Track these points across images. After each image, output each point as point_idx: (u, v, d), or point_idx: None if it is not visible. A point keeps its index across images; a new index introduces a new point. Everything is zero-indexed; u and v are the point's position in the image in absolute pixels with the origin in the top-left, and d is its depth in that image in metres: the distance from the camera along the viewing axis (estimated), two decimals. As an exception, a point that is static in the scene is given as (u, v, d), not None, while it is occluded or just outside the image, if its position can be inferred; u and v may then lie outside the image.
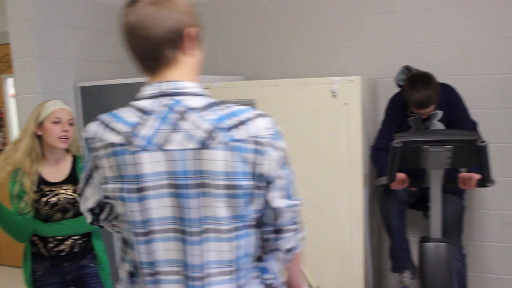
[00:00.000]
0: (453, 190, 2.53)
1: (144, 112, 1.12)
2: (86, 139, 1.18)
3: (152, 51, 1.12)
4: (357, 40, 3.15)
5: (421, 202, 2.83)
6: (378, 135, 2.80)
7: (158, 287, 1.15)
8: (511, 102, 2.94)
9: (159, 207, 1.11)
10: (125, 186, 1.12)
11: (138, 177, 1.10)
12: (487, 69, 2.96)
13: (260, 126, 1.15)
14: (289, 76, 3.19)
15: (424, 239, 2.39)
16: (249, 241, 1.17)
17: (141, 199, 1.11)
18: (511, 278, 3.07)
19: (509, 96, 2.93)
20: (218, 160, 1.08)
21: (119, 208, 1.16)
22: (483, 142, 2.09)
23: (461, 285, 2.72)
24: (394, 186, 2.47)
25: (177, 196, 1.10)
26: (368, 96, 2.89)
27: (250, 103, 2.58)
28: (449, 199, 2.68)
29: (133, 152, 1.10)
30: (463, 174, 2.38)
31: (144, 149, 1.09)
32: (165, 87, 1.13)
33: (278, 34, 3.31)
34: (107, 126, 1.14)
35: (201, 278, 1.13)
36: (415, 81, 2.54)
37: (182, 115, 1.11)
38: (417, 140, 2.21)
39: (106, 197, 1.19)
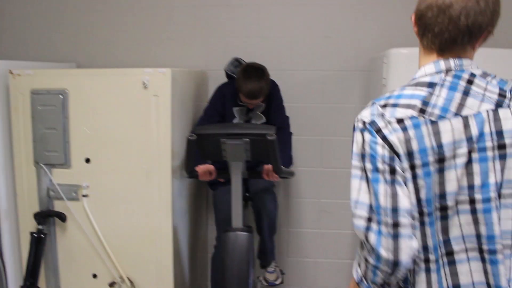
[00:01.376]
0: (268, 186, 2.63)
1: (430, 85, 1.19)
2: (368, 123, 1.19)
3: (456, 36, 1.16)
4: (189, 31, 3.15)
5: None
6: (198, 122, 2.83)
7: (454, 268, 1.15)
8: (330, 97, 3.11)
9: (454, 179, 1.13)
10: (418, 161, 1.13)
11: (438, 147, 1.13)
12: (311, 66, 3.10)
13: None
14: (122, 65, 3.13)
15: (226, 229, 2.46)
16: None
17: (440, 171, 1.13)
18: (327, 261, 3.29)
19: (328, 91, 3.10)
20: None
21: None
22: (271, 136, 2.17)
23: (272, 229, 2.87)
24: (202, 177, 2.51)
25: (474, 161, 1.13)
26: (193, 88, 2.91)
27: (62, 93, 2.49)
28: (266, 193, 2.82)
29: (431, 122, 1.14)
30: (266, 166, 2.48)
31: (441, 118, 1.13)
32: (451, 63, 1.19)
33: (110, 21, 3.22)
34: (387, 106, 1.19)
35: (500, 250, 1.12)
36: (249, 72, 2.62)
37: (471, 81, 1.17)
38: (212, 133, 2.25)
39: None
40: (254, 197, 2.80)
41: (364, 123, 1.20)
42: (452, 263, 1.17)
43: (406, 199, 1.14)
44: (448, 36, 1.17)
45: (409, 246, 1.14)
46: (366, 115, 1.21)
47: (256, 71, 2.59)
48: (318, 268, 3.31)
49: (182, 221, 2.75)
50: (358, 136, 1.22)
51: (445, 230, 1.15)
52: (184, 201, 2.80)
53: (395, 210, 1.14)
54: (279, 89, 2.85)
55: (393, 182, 1.15)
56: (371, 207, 1.18)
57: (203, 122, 2.77)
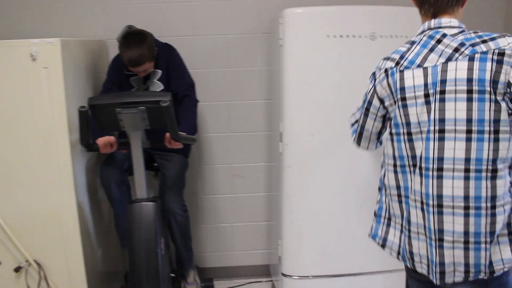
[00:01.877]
0: (177, 149, 2.58)
1: (412, 43, 1.60)
2: (374, 73, 1.71)
3: (446, 3, 1.55)
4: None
5: (149, 162, 2.87)
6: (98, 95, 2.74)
7: (441, 182, 1.49)
8: (235, 61, 3.09)
9: (414, 114, 1.55)
10: (392, 100, 1.62)
11: (401, 90, 1.56)
12: (213, 30, 3.05)
13: (504, 42, 1.43)
14: (10, 36, 2.94)
15: (131, 201, 2.42)
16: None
17: (404, 106, 1.58)
18: (241, 224, 3.33)
19: (232, 56, 3.08)
20: (460, 69, 1.45)
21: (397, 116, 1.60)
22: (165, 102, 2.14)
23: (185, 237, 2.86)
24: (103, 150, 2.45)
25: (428, 102, 1.52)
26: (90, 59, 2.80)
27: None
28: (172, 157, 2.76)
29: (400, 71, 1.57)
30: (167, 134, 2.44)
31: (406, 68, 1.56)
32: (432, 24, 1.57)
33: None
34: (385, 59, 1.67)
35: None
36: (129, 39, 2.53)
37: (439, 41, 1.53)
38: (105, 104, 2.19)
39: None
40: (163, 203, 2.75)
41: (372, 73, 1.71)
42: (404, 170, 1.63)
43: (370, 125, 1.77)
44: (441, 3, 1.55)
45: (363, 145, 1.87)
46: (375, 67, 1.70)
47: (135, 37, 2.51)
48: (235, 232, 3.35)
49: (87, 196, 2.68)
50: (368, 80, 1.74)
51: (412, 148, 1.57)
52: (89, 175, 2.72)
53: (362, 127, 1.80)
54: (177, 53, 2.77)
55: (366, 115, 1.76)
56: (356, 120, 1.84)
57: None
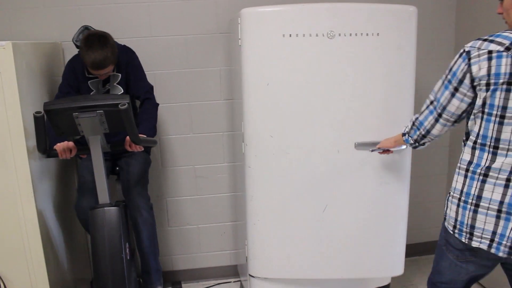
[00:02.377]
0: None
1: None
2: (467, 52, 1.72)
3: None
4: (40, 0, 2.92)
5: (112, 166, 2.83)
6: (54, 99, 2.68)
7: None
8: (194, 62, 3.07)
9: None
10: (492, 81, 1.66)
11: (510, 74, 1.63)
12: (172, 31, 3.03)
13: None
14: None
15: (93, 207, 2.38)
16: None
17: (508, 90, 1.64)
18: (207, 226, 3.32)
19: (192, 56, 3.06)
20: None
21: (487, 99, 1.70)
22: (124, 105, 2.11)
23: (151, 233, 2.81)
24: (62, 155, 2.40)
25: None
26: (45, 62, 2.74)
27: None
28: (134, 154, 2.72)
29: (507, 56, 1.63)
30: (127, 137, 2.41)
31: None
32: None
33: None
34: (486, 41, 1.69)
35: None
36: (91, 40, 2.46)
37: None
38: (62, 108, 2.14)
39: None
40: (128, 203, 2.73)
41: (464, 50, 1.73)
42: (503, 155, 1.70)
43: (454, 107, 1.78)
44: None
45: (439, 129, 1.86)
46: (468, 45, 1.72)
47: (98, 39, 2.45)
48: (201, 234, 3.33)
49: (50, 204, 2.62)
50: (456, 56, 1.76)
51: (499, 131, 1.69)
52: (50, 182, 2.66)
53: (444, 108, 1.81)
54: (136, 56, 2.74)
55: (453, 95, 1.77)
56: (436, 97, 1.84)
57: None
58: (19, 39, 2.80)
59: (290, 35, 2.39)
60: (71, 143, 2.40)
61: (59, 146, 2.38)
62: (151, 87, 2.76)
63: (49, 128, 2.33)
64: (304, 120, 2.49)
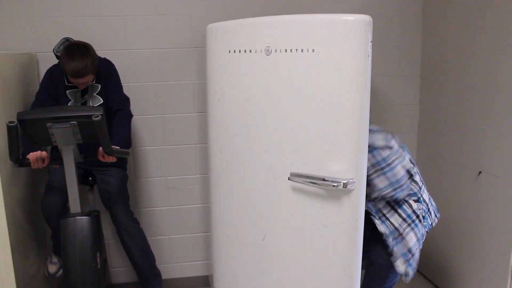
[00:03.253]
0: (115, 163, 2.59)
1: None
2: None
3: None
4: (13, 10, 2.95)
5: (85, 177, 2.86)
6: (30, 108, 2.71)
7: None
8: (168, 75, 3.14)
9: None
10: None
11: None
12: (147, 44, 3.08)
13: None
14: None
15: (64, 216, 2.41)
16: None
17: None
18: (180, 236, 3.36)
19: (166, 69, 3.12)
20: None
21: None
22: (97, 117, 2.15)
23: (145, 252, 2.89)
24: (34, 165, 2.42)
25: None
26: (19, 72, 2.76)
27: None
28: (112, 171, 2.77)
29: None
30: (100, 148, 2.45)
31: None
32: None
33: None
34: None
35: None
36: (72, 49, 2.53)
37: None
38: (35, 118, 2.18)
39: None
40: (112, 217, 2.79)
41: None
42: None
43: None
44: None
45: None
46: None
47: (79, 49, 2.52)
48: (173, 244, 3.37)
49: (20, 212, 2.63)
50: None
51: None
52: (21, 190, 2.67)
53: None
54: (115, 68, 2.80)
55: None
56: None
57: (34, 108, 2.65)
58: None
59: (235, 51, 2.32)
60: (44, 153, 2.43)
61: (32, 156, 2.41)
62: (127, 99, 2.82)
63: (22, 137, 2.35)
64: (246, 140, 2.38)
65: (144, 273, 2.93)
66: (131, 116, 2.82)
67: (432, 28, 3.24)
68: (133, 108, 2.93)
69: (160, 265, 3.35)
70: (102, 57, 2.82)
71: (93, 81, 2.67)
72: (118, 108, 2.75)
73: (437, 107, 3.21)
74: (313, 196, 2.18)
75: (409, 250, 2.39)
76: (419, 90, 3.41)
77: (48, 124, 2.20)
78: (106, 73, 2.74)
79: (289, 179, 2.20)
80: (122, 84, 2.87)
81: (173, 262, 3.41)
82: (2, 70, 2.50)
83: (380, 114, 3.37)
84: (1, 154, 2.39)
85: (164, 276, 3.37)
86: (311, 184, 2.13)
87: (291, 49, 2.11)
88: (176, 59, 3.12)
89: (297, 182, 2.19)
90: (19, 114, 2.20)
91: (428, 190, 2.60)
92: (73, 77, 2.51)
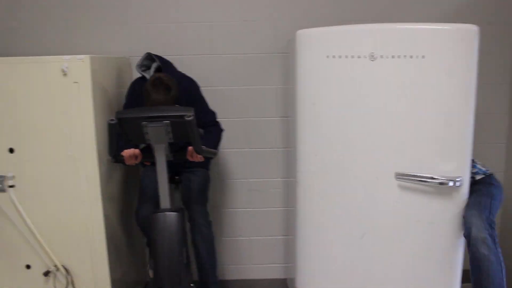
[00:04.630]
0: (200, 163, 2.69)
1: None
2: None
3: None
4: (109, 17, 3.16)
5: (171, 176, 2.99)
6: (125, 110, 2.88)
7: None
8: (252, 79, 3.22)
9: None
10: None
11: None
12: (231, 50, 3.19)
13: None
14: (43, 52, 3.11)
15: (155, 211, 2.52)
16: None
17: None
18: (260, 238, 3.40)
19: (250, 74, 3.21)
20: None
21: None
22: (190, 116, 2.25)
23: (211, 253, 2.94)
24: (128, 162, 2.56)
25: None
26: (115, 75, 2.94)
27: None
28: (196, 171, 2.88)
29: None
30: (189, 147, 2.56)
31: None
32: None
33: (29, 9, 3.18)
34: None
35: None
36: (158, 83, 2.55)
37: None
38: (133, 117, 2.31)
39: None
40: (189, 217, 2.87)
41: None
42: None
43: None
44: None
45: None
46: None
47: (165, 85, 2.54)
48: (253, 246, 3.43)
49: (114, 206, 2.80)
50: None
51: None
52: (115, 185, 2.84)
53: None
54: (197, 87, 2.89)
55: None
56: None
57: None
58: (91, 52, 3.04)
59: (334, 56, 2.38)
60: (137, 150, 2.57)
61: (126, 153, 2.55)
62: (214, 113, 2.92)
63: (118, 136, 2.50)
64: (345, 142, 2.46)
65: (205, 274, 2.97)
66: (222, 130, 2.92)
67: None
68: (219, 111, 3.03)
69: (239, 265, 3.43)
70: (183, 73, 2.92)
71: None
72: (212, 124, 2.87)
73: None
74: (420, 194, 2.40)
75: None
76: (509, 98, 3.28)
77: (143, 123, 2.33)
78: (188, 92, 2.80)
79: (396, 179, 2.39)
80: (208, 88, 2.97)
81: (252, 263, 3.46)
82: (103, 72, 2.68)
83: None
84: (100, 152, 2.55)
85: (243, 276, 3.45)
86: (421, 183, 2.35)
87: (398, 56, 2.29)
88: (259, 64, 3.20)
89: (404, 181, 2.39)
90: (118, 113, 2.34)
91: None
92: (151, 105, 2.57)
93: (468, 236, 2.26)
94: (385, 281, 2.56)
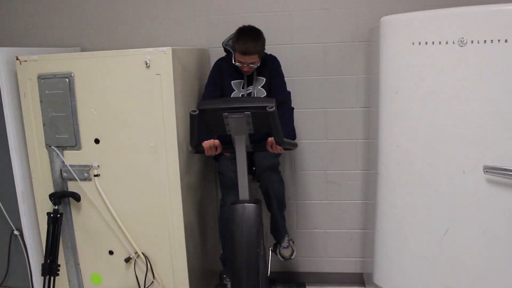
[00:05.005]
0: None
1: None
2: None
3: None
4: (189, 10, 3.19)
5: (249, 166, 2.98)
6: (201, 99, 2.90)
7: None
8: (331, 69, 3.14)
9: None
10: None
11: None
12: (311, 39, 3.13)
13: None
14: (125, 46, 3.20)
15: (234, 202, 2.53)
16: None
17: None
18: (335, 231, 3.35)
19: (330, 63, 3.13)
20: None
21: None
22: (271, 108, 2.22)
23: (281, 205, 2.95)
24: (208, 152, 2.58)
25: None
26: (195, 66, 2.97)
27: (68, 76, 2.58)
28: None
29: None
30: (269, 138, 2.53)
31: None
32: None
33: (112, 3, 3.27)
34: None
35: None
36: (246, 30, 2.74)
37: None
38: (213, 108, 2.31)
39: None
40: (261, 178, 2.86)
41: None
42: None
43: None
44: None
45: None
46: None
47: (252, 30, 2.73)
48: (328, 238, 3.38)
49: (191, 196, 2.83)
50: None
51: None
52: (193, 176, 2.87)
53: None
54: (279, 64, 2.89)
55: None
56: None
57: (205, 98, 2.83)
58: (171, 44, 3.08)
59: (420, 43, 2.30)
60: (217, 141, 2.58)
61: (206, 143, 2.57)
62: (289, 93, 2.90)
63: (198, 127, 2.52)
64: (430, 133, 2.37)
65: (277, 223, 2.99)
66: (293, 109, 2.91)
67: None
68: (297, 102, 2.98)
69: (314, 258, 3.40)
70: (269, 53, 2.91)
71: (258, 74, 2.76)
72: (281, 101, 2.82)
73: None
74: (510, 188, 2.25)
75: None
76: None
77: (225, 114, 2.32)
78: (272, 68, 2.85)
79: (486, 172, 2.26)
80: (287, 78, 2.93)
81: (327, 256, 3.42)
82: (183, 63, 2.70)
83: None
84: (180, 142, 2.58)
85: (317, 269, 3.41)
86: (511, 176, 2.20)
87: (491, 40, 2.15)
88: (339, 54, 3.12)
89: (493, 175, 2.26)
90: (199, 104, 2.35)
91: None
92: (242, 53, 2.66)
93: None
94: (468, 279, 2.45)
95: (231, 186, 2.74)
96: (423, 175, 2.44)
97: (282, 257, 3.06)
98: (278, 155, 2.92)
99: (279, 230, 3.04)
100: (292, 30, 3.12)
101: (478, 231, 2.38)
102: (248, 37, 2.67)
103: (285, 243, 3.05)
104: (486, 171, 2.28)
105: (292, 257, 3.06)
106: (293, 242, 3.06)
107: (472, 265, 2.43)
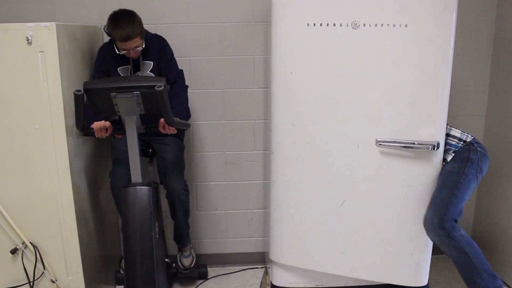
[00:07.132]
0: (173, 134, 2.62)
1: None
2: None
3: None
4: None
5: (145, 148, 2.91)
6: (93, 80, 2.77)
7: None
8: (229, 49, 3.12)
9: None
10: None
11: None
12: (207, 18, 3.08)
13: None
14: (8, 21, 2.97)
15: (126, 185, 2.45)
16: None
17: None
18: (236, 212, 3.37)
19: (227, 44, 3.10)
20: None
21: None
22: (160, 87, 2.17)
23: (185, 214, 2.98)
24: (97, 134, 2.48)
25: None
26: (86, 44, 2.82)
27: None
28: (170, 141, 2.81)
29: None
30: (161, 119, 2.47)
31: None
32: None
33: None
34: None
35: None
36: (118, 15, 2.56)
37: None
38: (100, 88, 2.21)
39: None
40: (166, 187, 2.86)
41: None
42: None
43: None
44: None
45: None
46: None
47: (124, 14, 2.56)
48: (229, 219, 3.39)
49: (83, 181, 2.71)
50: None
51: None
52: (85, 159, 2.75)
53: None
54: (166, 43, 2.80)
55: None
56: None
57: None
58: (62, 20, 2.91)
59: (314, 25, 2.36)
60: (107, 123, 2.48)
61: (96, 125, 2.46)
62: (181, 71, 2.84)
63: (87, 108, 2.41)
64: (325, 111, 2.47)
65: (181, 231, 3.04)
66: (186, 87, 2.86)
67: (508, 5, 3.05)
68: (193, 82, 2.94)
69: (215, 239, 3.40)
70: (153, 33, 2.82)
71: (143, 46, 2.65)
72: (173, 80, 2.77)
73: (509, 89, 3.04)
74: (401, 159, 2.47)
75: None
76: (490, 71, 3.24)
77: (112, 94, 2.24)
78: (159, 51, 2.75)
79: (379, 145, 2.44)
80: (184, 58, 2.88)
81: (228, 237, 3.43)
82: (71, 41, 2.56)
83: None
84: (68, 124, 2.45)
85: (219, 250, 3.42)
86: (403, 148, 2.42)
87: (381, 24, 2.32)
88: (238, 33, 3.10)
89: (386, 147, 2.44)
90: (85, 84, 2.24)
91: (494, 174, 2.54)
92: (122, 40, 2.52)
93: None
94: (365, 246, 2.63)
95: (122, 159, 2.67)
96: (319, 152, 2.54)
97: (183, 266, 3.08)
98: (181, 153, 2.89)
99: (183, 238, 3.06)
100: (189, 8, 3.06)
101: (373, 199, 2.55)
102: (124, 22, 2.51)
103: (187, 252, 3.09)
104: (379, 144, 2.44)
105: (192, 266, 3.09)
106: (193, 252, 3.14)
107: (367, 230, 2.60)
